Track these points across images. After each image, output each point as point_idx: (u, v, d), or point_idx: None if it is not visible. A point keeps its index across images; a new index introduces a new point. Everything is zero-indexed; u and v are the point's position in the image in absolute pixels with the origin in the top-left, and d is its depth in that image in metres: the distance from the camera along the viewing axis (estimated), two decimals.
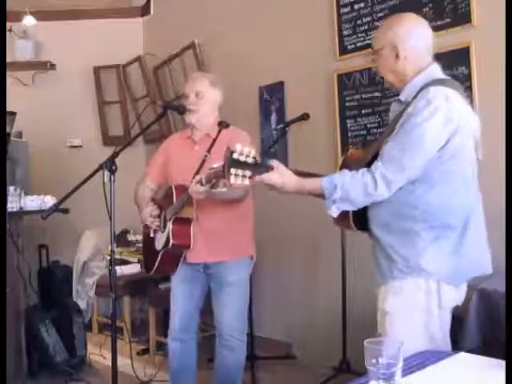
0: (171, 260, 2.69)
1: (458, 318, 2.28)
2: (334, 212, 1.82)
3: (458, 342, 2.25)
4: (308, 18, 3.76)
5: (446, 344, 1.83)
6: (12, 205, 3.25)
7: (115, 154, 2.40)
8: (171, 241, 2.55)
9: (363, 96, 3.46)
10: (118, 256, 4.20)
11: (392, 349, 1.27)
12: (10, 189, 3.28)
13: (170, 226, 2.58)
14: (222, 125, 2.61)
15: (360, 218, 1.92)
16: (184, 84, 2.88)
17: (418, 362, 1.52)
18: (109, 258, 2.59)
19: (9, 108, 3.22)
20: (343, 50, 3.54)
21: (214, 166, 2.14)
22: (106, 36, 5.10)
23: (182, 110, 2.69)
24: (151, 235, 2.77)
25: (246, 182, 1.72)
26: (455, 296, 1.85)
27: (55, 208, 2.44)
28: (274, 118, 4.02)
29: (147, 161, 4.18)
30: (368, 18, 3.40)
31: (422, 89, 1.81)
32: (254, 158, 1.72)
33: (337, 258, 3.37)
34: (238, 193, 2.58)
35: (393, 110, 1.97)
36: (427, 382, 1.40)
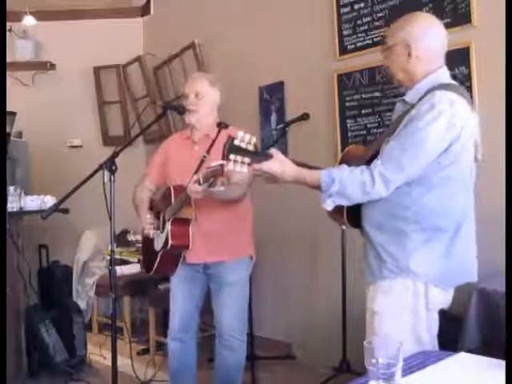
0: (170, 260, 2.69)
1: (458, 318, 2.28)
2: (329, 205, 1.82)
3: (457, 341, 2.25)
4: (308, 18, 3.76)
5: (433, 346, 1.82)
6: (12, 205, 3.25)
7: (115, 154, 2.40)
8: (170, 241, 2.55)
9: (363, 96, 3.45)
10: (117, 256, 4.20)
11: (392, 349, 1.27)
12: (10, 189, 3.28)
13: (168, 226, 2.57)
14: (222, 125, 2.60)
15: (354, 215, 1.92)
16: (184, 84, 2.88)
17: (417, 362, 1.52)
18: (109, 258, 2.59)
19: (9, 108, 3.22)
20: (343, 50, 3.53)
21: (212, 164, 2.14)
22: (106, 36, 5.10)
23: (181, 110, 2.69)
24: (150, 236, 2.77)
25: (245, 169, 1.70)
26: (443, 299, 1.85)
27: (55, 208, 2.44)
28: (273, 118, 4.02)
29: (147, 161, 4.18)
30: (368, 18, 3.40)
31: (427, 92, 1.80)
32: (255, 145, 1.71)
33: (337, 257, 3.36)
34: (236, 193, 2.57)
35: (397, 109, 1.96)
36: (427, 382, 1.39)
